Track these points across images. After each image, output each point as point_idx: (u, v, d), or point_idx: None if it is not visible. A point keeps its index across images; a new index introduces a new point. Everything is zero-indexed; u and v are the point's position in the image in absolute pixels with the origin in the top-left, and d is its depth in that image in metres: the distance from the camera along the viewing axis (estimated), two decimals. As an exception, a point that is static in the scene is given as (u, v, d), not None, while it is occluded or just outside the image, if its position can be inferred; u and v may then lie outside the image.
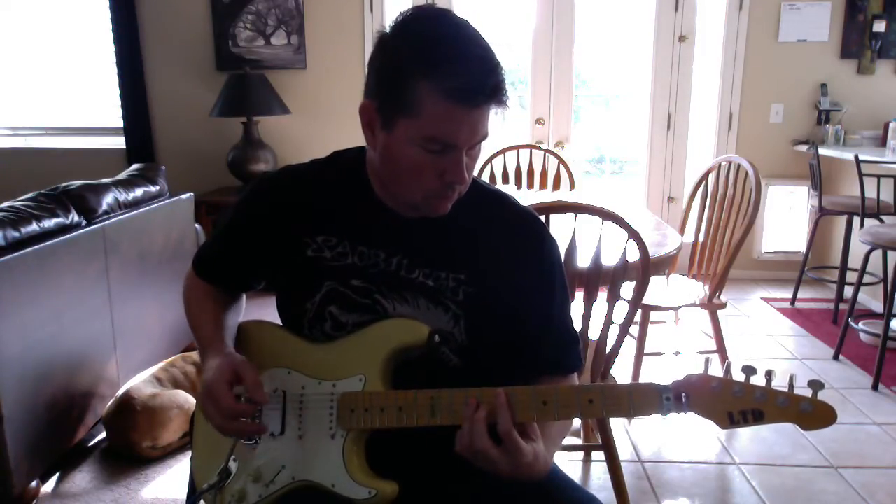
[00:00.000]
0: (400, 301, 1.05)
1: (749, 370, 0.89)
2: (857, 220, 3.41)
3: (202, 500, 1.11)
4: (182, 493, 2.06)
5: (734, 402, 0.89)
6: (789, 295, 4.01)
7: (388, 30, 0.96)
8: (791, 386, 0.88)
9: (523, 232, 1.10)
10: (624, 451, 2.36)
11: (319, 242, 1.08)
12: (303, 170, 1.14)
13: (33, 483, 2.05)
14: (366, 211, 1.06)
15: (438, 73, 0.90)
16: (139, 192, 2.73)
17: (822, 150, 3.73)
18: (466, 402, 0.94)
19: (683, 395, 0.90)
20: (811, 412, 0.87)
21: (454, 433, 0.97)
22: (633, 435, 2.49)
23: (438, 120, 0.91)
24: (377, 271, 1.06)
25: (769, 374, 0.89)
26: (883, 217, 3.40)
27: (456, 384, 0.99)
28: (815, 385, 0.87)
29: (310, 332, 1.09)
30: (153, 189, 2.83)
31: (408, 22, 0.95)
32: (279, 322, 1.17)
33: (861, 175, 3.24)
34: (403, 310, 1.05)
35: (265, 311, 1.21)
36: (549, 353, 1.10)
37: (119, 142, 4.42)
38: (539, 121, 4.41)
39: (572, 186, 3.65)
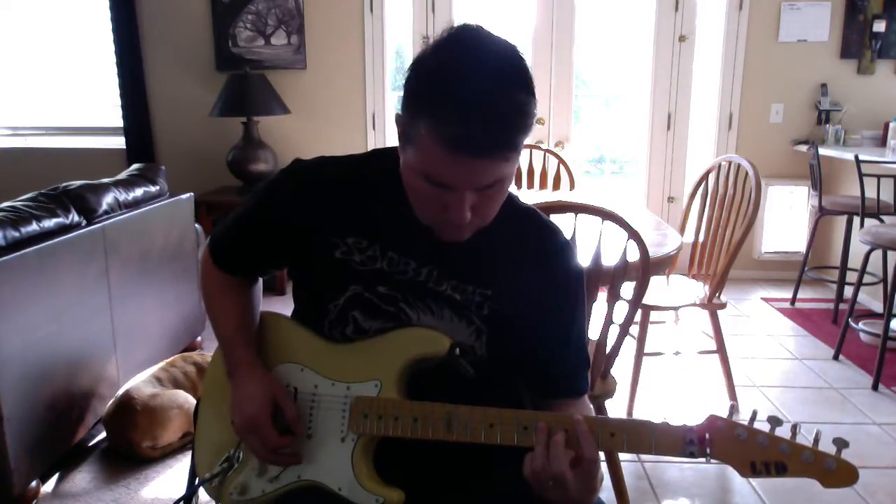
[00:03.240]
0: (425, 311, 1.04)
1: (775, 421, 0.88)
2: (857, 220, 3.41)
3: (203, 490, 1.11)
4: (182, 492, 2.05)
5: (758, 453, 0.88)
6: (789, 295, 4.01)
7: (430, 43, 0.91)
8: (816, 441, 0.88)
9: (550, 252, 1.08)
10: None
11: (350, 244, 1.05)
12: (339, 164, 1.10)
13: (33, 483, 2.05)
14: (400, 217, 1.03)
15: (437, 117, 0.86)
16: (139, 192, 2.72)
17: (822, 150, 3.73)
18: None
19: (707, 440, 0.89)
20: (834, 470, 0.86)
21: (461, 444, 0.97)
22: (633, 435, 2.49)
23: (434, 162, 0.89)
24: (405, 279, 1.04)
25: (795, 428, 0.88)
26: (883, 217, 3.40)
27: (469, 396, 0.98)
28: (840, 443, 0.86)
29: (329, 333, 1.07)
30: (153, 189, 2.83)
31: (439, 46, 0.90)
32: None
33: (861, 175, 3.24)
34: (427, 320, 1.04)
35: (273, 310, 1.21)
36: (560, 377, 1.10)
37: (119, 142, 4.42)
38: (539, 121, 4.40)
39: (572, 186, 3.64)
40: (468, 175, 0.89)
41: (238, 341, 1.11)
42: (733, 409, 0.92)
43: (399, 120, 0.95)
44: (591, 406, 1.14)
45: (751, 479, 2.23)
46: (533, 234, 1.09)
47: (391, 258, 1.05)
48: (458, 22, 0.93)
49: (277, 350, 1.11)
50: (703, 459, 0.90)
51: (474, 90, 0.85)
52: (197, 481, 1.12)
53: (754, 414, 0.90)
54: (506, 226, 1.04)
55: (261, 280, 1.24)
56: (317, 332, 1.08)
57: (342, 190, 1.07)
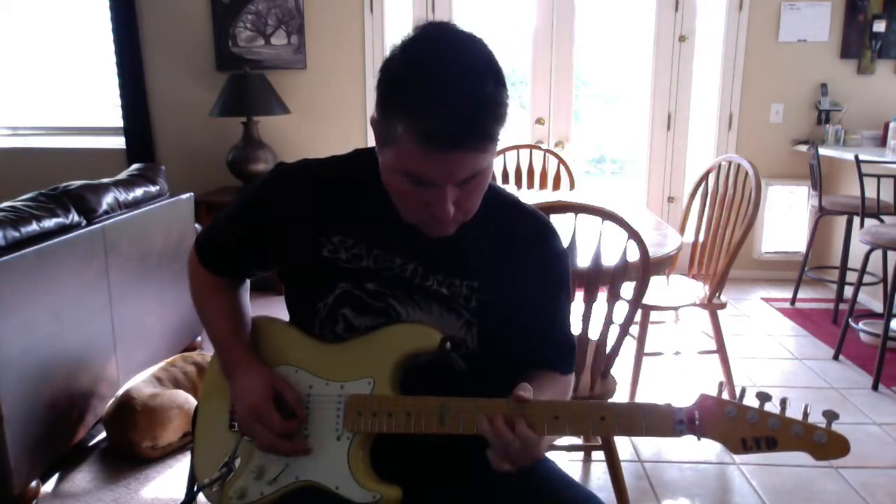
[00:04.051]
0: (413, 306, 1.05)
1: (763, 396, 0.88)
2: (857, 220, 3.41)
3: (203, 495, 1.11)
4: (182, 493, 2.05)
5: (748, 429, 0.88)
6: (789, 295, 4.01)
7: (398, 44, 0.93)
8: (805, 415, 0.88)
9: (534, 239, 1.09)
10: (624, 451, 2.36)
11: (335, 243, 1.06)
12: (322, 166, 1.11)
13: (33, 483, 2.05)
14: (384, 215, 1.04)
15: (411, 115, 0.87)
16: (139, 192, 2.73)
17: (822, 150, 3.73)
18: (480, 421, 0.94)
19: (697, 418, 0.90)
20: (825, 443, 0.86)
21: (457, 438, 0.97)
22: (633, 435, 2.49)
23: (413, 159, 0.90)
24: (392, 275, 1.05)
25: (784, 402, 0.88)
26: (883, 217, 3.40)
27: (461, 389, 0.99)
28: (830, 415, 0.86)
29: (320, 333, 1.08)
30: (153, 189, 2.83)
31: (407, 46, 0.92)
32: (286, 317, 1.16)
33: (861, 175, 3.24)
34: (417, 315, 1.05)
35: (268, 311, 1.21)
36: (546, 357, 1.11)
37: (119, 142, 4.42)
38: (539, 121, 4.41)
39: (572, 186, 3.65)
40: (447, 170, 0.90)
41: (232, 341, 1.12)
42: (722, 386, 0.92)
43: (375, 122, 0.96)
44: (568, 388, 1.14)
45: (751, 479, 2.23)
46: (517, 223, 1.10)
47: (377, 255, 1.06)
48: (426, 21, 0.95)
49: (270, 353, 1.12)
50: (697, 443, 0.90)
51: (445, 85, 0.87)
52: (196, 487, 1.12)
53: (743, 390, 0.91)
54: (489, 217, 1.05)
55: (248, 282, 1.25)
56: (308, 333, 1.09)
57: (326, 190, 1.08)
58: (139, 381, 2.36)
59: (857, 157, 3.26)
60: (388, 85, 0.92)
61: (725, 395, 0.91)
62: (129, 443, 2.26)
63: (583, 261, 1.70)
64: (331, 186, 1.09)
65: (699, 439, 0.90)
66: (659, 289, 2.76)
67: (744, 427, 0.88)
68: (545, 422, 0.93)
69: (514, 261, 1.07)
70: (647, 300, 2.42)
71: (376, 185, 1.02)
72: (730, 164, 2.72)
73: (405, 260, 1.05)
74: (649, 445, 2.42)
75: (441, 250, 1.04)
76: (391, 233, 1.05)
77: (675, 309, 3.17)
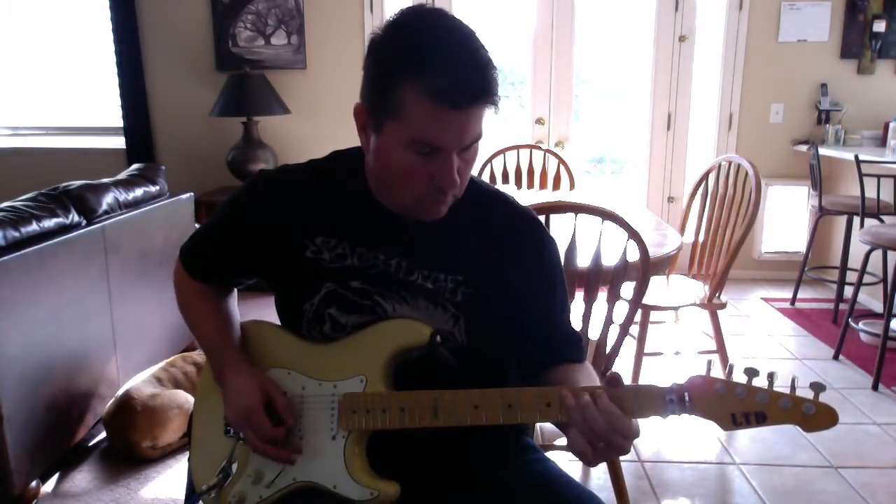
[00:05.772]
0: (399, 302, 1.05)
1: (751, 372, 0.89)
2: (857, 220, 3.41)
3: (202, 501, 1.11)
4: (182, 493, 2.05)
5: (737, 404, 0.89)
6: (789, 295, 4.01)
7: (381, 27, 0.95)
8: (793, 388, 0.88)
9: (522, 232, 1.10)
10: (624, 451, 2.35)
11: (318, 244, 1.07)
12: (301, 170, 1.12)
13: (33, 483, 2.05)
14: (365, 212, 1.06)
15: (421, 75, 0.88)
16: (139, 192, 2.73)
17: (822, 150, 3.73)
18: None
19: (686, 396, 0.90)
20: (813, 414, 0.87)
21: (454, 433, 0.97)
22: (633, 435, 2.49)
23: (424, 122, 0.90)
24: (376, 272, 1.06)
25: (771, 376, 0.89)
26: (883, 217, 3.40)
27: (453, 383, 0.99)
28: (817, 387, 0.87)
29: (308, 334, 1.08)
30: (153, 189, 2.83)
31: (396, 23, 0.94)
32: (277, 321, 1.16)
33: (861, 175, 3.24)
34: (403, 311, 1.05)
35: (264, 311, 1.21)
36: (555, 351, 1.11)
37: (119, 142, 4.42)
38: (539, 121, 4.40)
39: (572, 186, 3.65)
40: (459, 129, 0.92)
41: (221, 344, 1.12)
42: (711, 364, 0.92)
43: (362, 110, 0.97)
44: (595, 374, 1.12)
45: (751, 479, 2.23)
46: (502, 216, 1.10)
47: (361, 253, 1.06)
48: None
49: (262, 357, 1.11)
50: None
51: (451, 46, 0.91)
52: (194, 494, 1.12)
53: (731, 367, 0.91)
54: (472, 210, 1.06)
55: (235, 290, 1.24)
56: (298, 334, 1.09)
57: (306, 193, 1.09)
58: (139, 381, 2.36)
59: (857, 157, 3.26)
60: (386, 58, 0.93)
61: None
62: (129, 443, 2.26)
63: (583, 261, 1.70)
64: (311, 189, 1.09)
65: (690, 414, 0.91)
66: (659, 289, 2.76)
67: (733, 403, 0.89)
68: (537, 410, 0.94)
69: (500, 254, 1.07)
70: (647, 300, 2.42)
71: (357, 184, 1.04)
72: (730, 164, 2.72)
73: (389, 256, 1.06)
74: (649, 445, 2.42)
75: (425, 245, 1.05)
76: (374, 230, 1.06)
77: (675, 309, 3.17)
